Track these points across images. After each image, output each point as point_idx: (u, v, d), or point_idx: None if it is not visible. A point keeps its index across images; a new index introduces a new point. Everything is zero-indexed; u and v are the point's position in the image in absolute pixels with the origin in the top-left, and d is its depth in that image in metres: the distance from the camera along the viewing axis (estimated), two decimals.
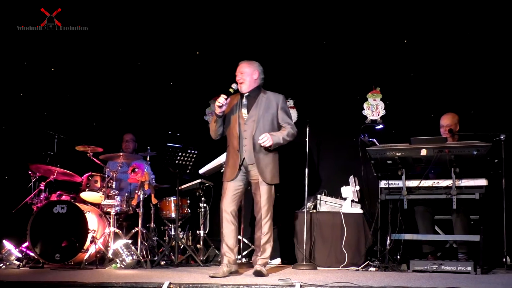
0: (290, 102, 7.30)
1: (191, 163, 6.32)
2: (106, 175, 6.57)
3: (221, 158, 6.36)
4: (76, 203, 6.29)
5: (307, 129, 6.38)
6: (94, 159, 6.62)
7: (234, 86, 5.26)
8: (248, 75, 5.32)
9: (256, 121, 5.26)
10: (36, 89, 7.82)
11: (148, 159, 6.57)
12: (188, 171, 6.41)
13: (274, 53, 7.37)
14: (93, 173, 6.60)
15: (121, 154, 6.50)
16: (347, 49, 7.28)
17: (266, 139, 5.12)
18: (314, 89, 7.33)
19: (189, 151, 6.26)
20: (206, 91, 7.51)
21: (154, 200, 6.40)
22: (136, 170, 6.31)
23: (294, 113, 7.27)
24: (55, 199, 6.45)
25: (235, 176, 5.24)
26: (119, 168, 6.53)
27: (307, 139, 6.38)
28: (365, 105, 7.17)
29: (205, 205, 6.73)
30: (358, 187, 6.55)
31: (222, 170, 5.85)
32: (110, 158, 6.73)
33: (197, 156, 6.35)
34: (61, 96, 7.83)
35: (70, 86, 7.83)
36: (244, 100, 5.35)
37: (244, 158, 5.25)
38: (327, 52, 7.36)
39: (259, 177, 5.23)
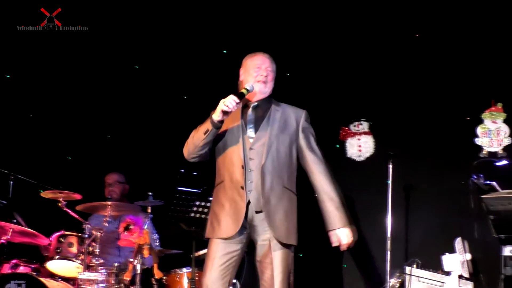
0: (364, 125, 7.40)
1: None
2: (85, 235, 6.51)
3: None
4: (40, 278, 6.18)
5: (390, 166, 6.41)
6: (69, 211, 6.57)
7: (249, 86, 4.96)
8: (273, 73, 5.10)
9: (266, 146, 4.92)
10: None
11: (149, 211, 6.50)
12: None
13: (335, 51, 7.44)
14: (66, 232, 6.59)
15: (109, 203, 6.46)
16: (449, 45, 7.24)
17: (347, 240, 4.79)
18: (399, 107, 7.35)
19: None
20: None
21: (157, 274, 6.33)
22: (131, 227, 6.30)
23: (369, 141, 7.38)
24: (9, 271, 6.44)
25: (235, 231, 4.85)
26: (106, 224, 6.50)
27: (389, 181, 6.41)
28: (479, 130, 7.13)
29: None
30: (469, 256, 6.52)
31: None
32: (92, 210, 6.72)
33: None
34: (18, 115, 7.90)
35: (31, 101, 7.95)
36: (250, 113, 5.06)
37: (249, 202, 4.90)
38: (418, 49, 7.33)
39: (269, 234, 4.81)
